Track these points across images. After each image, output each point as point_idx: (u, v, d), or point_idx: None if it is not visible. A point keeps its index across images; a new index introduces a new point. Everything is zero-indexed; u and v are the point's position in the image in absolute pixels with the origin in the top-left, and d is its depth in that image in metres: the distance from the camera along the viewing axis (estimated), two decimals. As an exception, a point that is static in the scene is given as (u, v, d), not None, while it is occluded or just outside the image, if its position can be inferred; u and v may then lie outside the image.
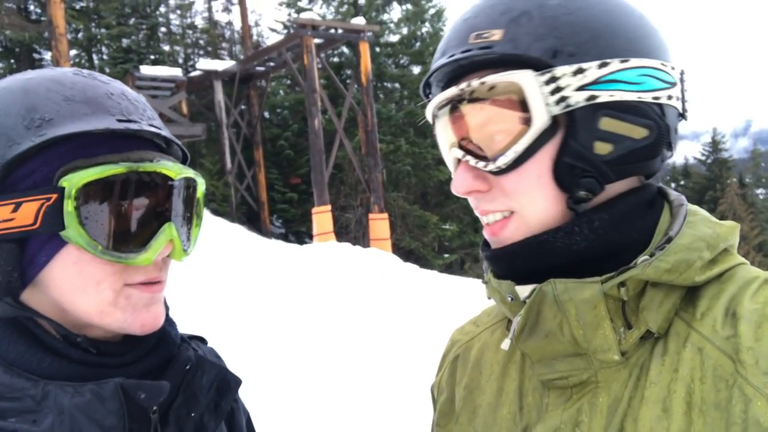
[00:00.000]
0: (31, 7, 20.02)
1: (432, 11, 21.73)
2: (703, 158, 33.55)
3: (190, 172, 0.77)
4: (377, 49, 20.66)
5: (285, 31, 21.07)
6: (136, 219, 0.72)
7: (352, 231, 17.44)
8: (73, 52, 19.40)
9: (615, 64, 0.66)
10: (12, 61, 20.34)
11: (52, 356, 0.71)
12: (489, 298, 0.79)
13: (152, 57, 19.99)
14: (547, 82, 0.65)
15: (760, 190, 38.98)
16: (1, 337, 0.71)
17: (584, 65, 0.65)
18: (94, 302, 0.71)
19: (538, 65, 0.66)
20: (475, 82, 0.67)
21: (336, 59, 20.78)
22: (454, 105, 0.71)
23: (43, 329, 0.73)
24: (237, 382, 0.85)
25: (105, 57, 20.63)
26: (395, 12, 22.19)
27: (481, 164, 0.69)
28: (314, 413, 4.10)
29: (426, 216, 19.22)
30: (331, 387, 4.59)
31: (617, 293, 0.66)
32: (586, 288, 0.65)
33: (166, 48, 22.16)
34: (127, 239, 0.71)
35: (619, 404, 0.65)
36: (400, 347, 5.39)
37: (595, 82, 0.65)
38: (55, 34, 11.27)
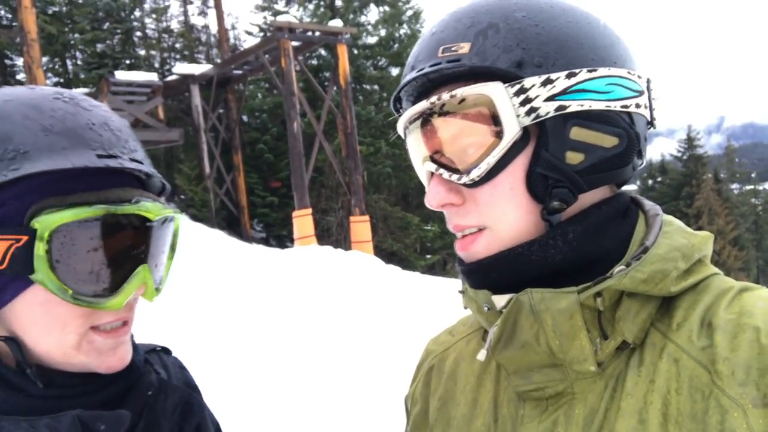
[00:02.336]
0: (2, 12, 19.63)
1: (409, 13, 21.79)
2: (679, 155, 34.12)
3: (169, 211, 0.74)
4: (355, 51, 20.66)
5: (262, 35, 20.96)
6: (110, 262, 0.69)
7: (333, 234, 17.39)
8: (46, 57, 19.05)
9: (583, 74, 0.66)
10: (-17, 67, 19.92)
11: (8, 390, 0.69)
12: (465, 308, 0.78)
13: (128, 62, 19.72)
14: (517, 93, 0.65)
15: (734, 185, 39.75)
16: None
17: (552, 75, 0.65)
18: (57, 344, 0.69)
19: (507, 77, 0.66)
20: (445, 96, 0.67)
21: (314, 62, 20.72)
22: (425, 119, 0.70)
23: (0, 362, 0.70)
24: (201, 406, 0.84)
25: (79, 62, 20.31)
26: (372, 14, 22.17)
27: (454, 177, 0.69)
28: (295, 416, 4.06)
29: (407, 217, 19.25)
30: (314, 390, 4.55)
31: (593, 303, 0.66)
32: (562, 298, 0.65)
33: (142, 52, 21.88)
34: (98, 283, 0.68)
35: (595, 416, 0.64)
36: (384, 350, 5.37)
37: (564, 92, 0.65)
38: (26, 40, 11.06)
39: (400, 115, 0.76)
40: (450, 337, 0.89)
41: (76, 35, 19.67)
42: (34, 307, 0.67)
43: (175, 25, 23.71)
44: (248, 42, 22.45)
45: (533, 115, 0.65)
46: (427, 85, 0.72)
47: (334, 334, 5.86)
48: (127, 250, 0.70)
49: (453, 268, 19.90)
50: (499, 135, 0.66)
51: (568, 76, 0.65)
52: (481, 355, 0.71)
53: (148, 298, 0.74)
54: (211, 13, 22.36)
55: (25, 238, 0.64)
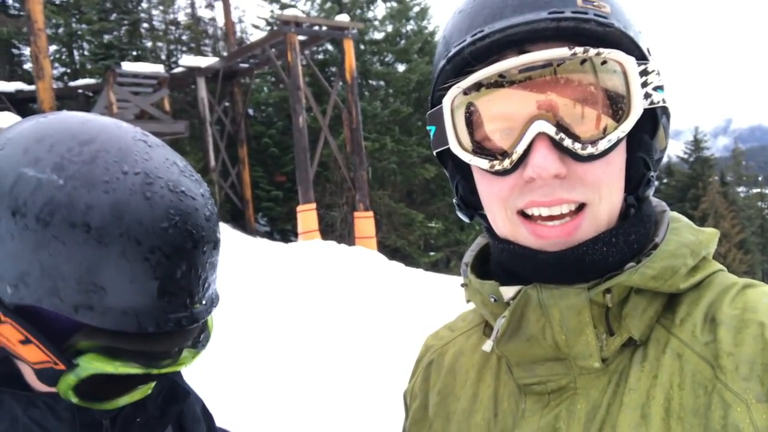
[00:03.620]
0: (10, 1, 19.65)
1: (417, 9, 21.71)
2: (686, 156, 33.96)
3: (200, 351, 0.74)
4: (362, 47, 20.60)
5: (268, 28, 20.92)
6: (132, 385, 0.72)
7: (337, 229, 17.39)
8: (53, 47, 19.08)
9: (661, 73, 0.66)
10: (-10, 56, 19.96)
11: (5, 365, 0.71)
12: (468, 301, 0.78)
13: (134, 53, 19.74)
14: (641, 74, 0.63)
15: (741, 188, 39.57)
16: None
17: (657, 67, 0.65)
18: None
19: (637, 55, 0.64)
20: (592, 51, 0.60)
21: (320, 56, 20.68)
22: (551, 71, 0.61)
23: None
24: (185, 395, 0.85)
25: (86, 53, 20.33)
26: (379, 9, 22.13)
27: (577, 146, 0.61)
28: (296, 410, 4.07)
29: (411, 214, 19.23)
30: (315, 384, 4.56)
31: (602, 300, 0.65)
32: (571, 294, 0.64)
33: (149, 44, 21.89)
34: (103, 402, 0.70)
35: (598, 411, 0.64)
36: (385, 346, 5.37)
37: (661, 86, 0.65)
38: (33, 29, 11.07)
39: (458, 61, 0.64)
40: (449, 333, 0.88)
41: (83, 26, 19.69)
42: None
43: (182, 18, 23.71)
44: (255, 35, 22.45)
45: (648, 101, 0.64)
46: (527, 36, 0.61)
47: (336, 329, 5.86)
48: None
49: (456, 265, 19.87)
50: (625, 110, 0.63)
51: (659, 72, 0.65)
52: (487, 346, 0.71)
53: (187, 364, 0.74)
54: (218, 5, 22.33)
55: (63, 367, 0.65)
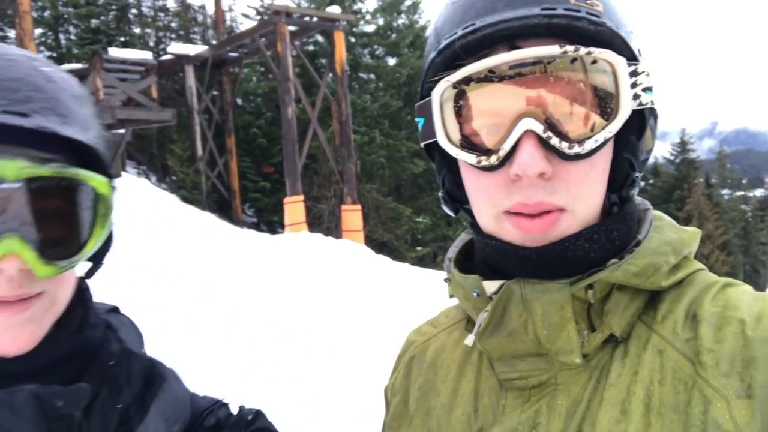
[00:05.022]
0: (-6, -17, 19.29)
1: (408, 2, 21.66)
2: (672, 158, 34.31)
3: (42, 171, 0.63)
4: (352, 39, 20.52)
5: (259, 18, 20.75)
6: None
7: (324, 222, 17.36)
8: (39, 30, 18.76)
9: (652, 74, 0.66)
10: (-26, 38, 19.59)
11: None
12: (451, 296, 0.77)
13: (122, 39, 19.47)
14: (630, 75, 0.63)
15: (725, 191, 40.06)
16: None
17: (647, 68, 0.65)
18: None
19: (627, 56, 0.63)
20: (582, 50, 0.60)
21: (311, 48, 20.57)
22: (542, 68, 0.60)
23: None
24: (162, 377, 0.82)
25: (72, 37, 20.02)
26: (371, 2, 22.05)
27: (564, 145, 0.61)
28: (278, 403, 4.06)
29: (399, 208, 19.24)
30: (297, 378, 4.56)
31: (584, 295, 0.65)
32: (554, 289, 0.64)
33: (137, 30, 21.60)
34: None
35: (578, 406, 0.64)
36: (370, 339, 5.38)
37: (650, 88, 0.65)
38: (18, 12, 10.89)
39: (450, 53, 0.64)
40: (432, 328, 0.87)
41: (70, 9, 19.37)
42: None
43: (171, 4, 23.41)
44: (245, 24, 22.24)
45: (636, 102, 0.63)
46: (518, 32, 0.61)
47: (320, 322, 5.86)
48: None
49: (443, 260, 19.91)
50: (614, 110, 0.62)
51: (648, 74, 0.65)
52: (469, 340, 0.71)
53: (41, 274, 0.65)
54: (209, -7, 22.12)
55: None
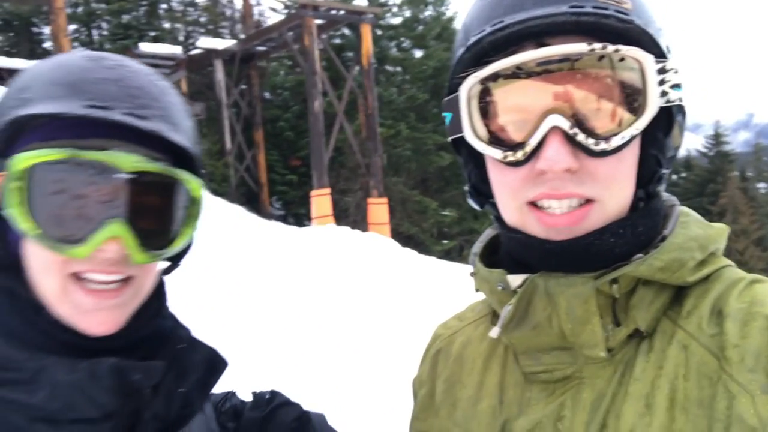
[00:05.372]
0: (31, -19, 19.73)
1: (435, -6, 21.51)
2: (706, 150, 33.48)
3: (152, 167, 0.71)
4: (379, 32, 20.46)
5: (286, 11, 20.84)
6: (77, 208, 0.69)
7: (351, 215, 17.41)
8: (72, 26, 19.17)
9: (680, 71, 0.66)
10: (12, 34, 20.14)
11: (50, 336, 0.71)
12: (477, 290, 0.78)
13: (152, 34, 19.79)
14: (658, 72, 0.63)
15: (761, 185, 38.97)
16: (3, 308, 0.72)
17: (674, 65, 0.65)
18: (47, 288, 0.71)
19: (656, 53, 0.64)
20: (610, 47, 0.60)
21: (337, 41, 20.58)
22: (570, 65, 0.61)
23: (26, 304, 0.72)
24: (224, 363, 0.85)
25: (105, 33, 20.42)
26: (398, -6, 21.93)
27: (590, 141, 0.62)
28: (305, 395, 4.10)
29: (425, 201, 19.19)
30: (324, 369, 4.60)
31: (609, 290, 0.65)
32: (578, 283, 0.65)
33: (167, 25, 21.93)
34: (65, 228, 0.68)
35: (603, 400, 0.65)
36: (396, 332, 5.40)
37: (679, 85, 0.65)
38: (53, 8, 11.15)
39: (475, 51, 0.65)
40: (458, 322, 0.89)
41: (102, 5, 19.76)
42: (30, 247, 0.71)
43: (200, -1, 23.67)
44: (272, 18, 22.35)
45: (664, 99, 0.64)
46: (558, 28, 0.62)
47: (347, 315, 5.90)
48: (98, 199, 0.69)
49: (469, 254, 19.78)
50: (640, 108, 0.63)
51: (677, 71, 0.65)
52: (494, 332, 0.72)
53: (137, 260, 0.71)
54: (237, -12, 22.27)
55: (4, 174, 0.68)
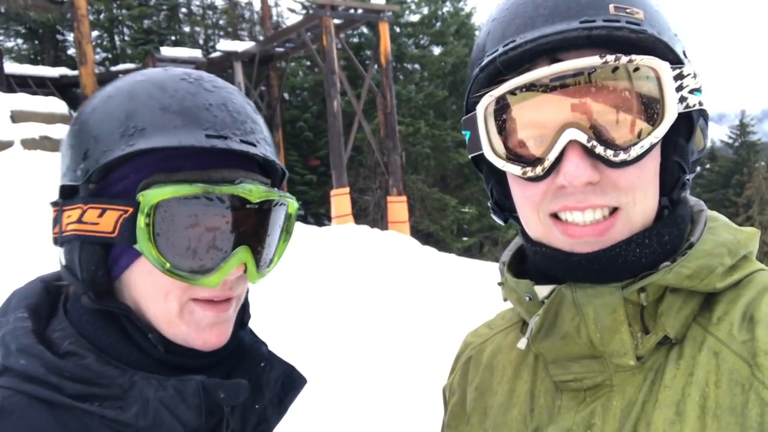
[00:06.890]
0: (54, -11, 20.13)
1: (453, -10, 21.40)
2: (731, 141, 32.81)
3: (274, 194, 0.74)
4: (397, 30, 20.45)
5: (304, 12, 20.94)
6: (208, 240, 0.71)
7: (370, 213, 17.45)
8: (95, 33, 19.52)
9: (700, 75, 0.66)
10: (36, 42, 20.58)
11: (139, 352, 0.73)
12: (505, 300, 0.79)
13: (173, 38, 20.08)
14: (675, 78, 0.63)
15: (789, 175, 38.00)
16: (96, 326, 0.74)
17: (694, 69, 0.65)
18: (162, 311, 0.72)
19: (672, 59, 0.64)
20: (624, 59, 0.60)
21: (355, 40, 20.62)
22: (585, 79, 0.61)
23: (134, 325, 0.74)
24: (302, 380, 0.87)
25: (126, 38, 20.75)
26: (416, -9, 21.86)
27: (609, 153, 0.62)
28: (329, 394, 4.13)
29: (445, 199, 19.14)
30: (348, 368, 4.62)
31: (637, 298, 0.66)
32: (606, 292, 0.65)
33: (187, 29, 22.20)
34: (195, 260, 0.71)
35: (633, 408, 0.65)
36: (417, 330, 5.40)
37: (698, 89, 0.65)
38: (77, 15, 11.37)
39: (493, 68, 0.66)
40: (488, 330, 0.89)
41: (124, 11, 20.07)
42: (144, 274, 0.72)
43: (219, 2, 23.91)
44: (291, 19, 22.50)
45: (683, 104, 0.64)
46: (570, 43, 0.62)
47: (368, 313, 5.91)
48: (228, 229, 0.72)
49: (489, 251, 19.74)
50: (659, 116, 0.63)
51: (695, 75, 0.65)
52: (522, 344, 0.72)
53: (251, 280, 0.75)
54: (255, -11, 22.42)
55: (131, 209, 0.69)
